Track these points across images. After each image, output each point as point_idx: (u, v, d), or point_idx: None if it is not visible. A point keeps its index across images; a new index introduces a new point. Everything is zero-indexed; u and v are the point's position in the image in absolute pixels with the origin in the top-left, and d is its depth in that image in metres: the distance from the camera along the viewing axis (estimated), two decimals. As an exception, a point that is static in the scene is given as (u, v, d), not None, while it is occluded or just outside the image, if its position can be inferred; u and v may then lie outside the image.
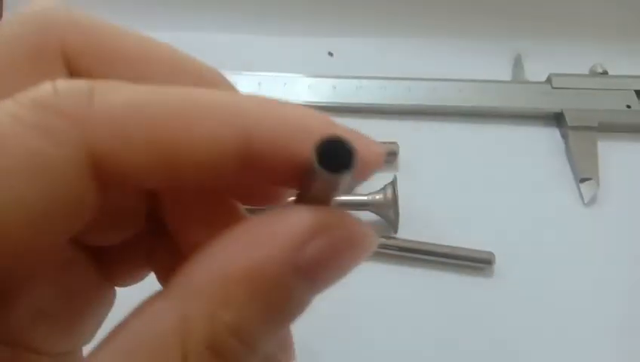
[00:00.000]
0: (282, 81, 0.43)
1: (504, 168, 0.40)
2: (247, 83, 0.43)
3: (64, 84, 0.12)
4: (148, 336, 0.12)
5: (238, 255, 0.12)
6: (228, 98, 0.13)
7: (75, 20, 0.15)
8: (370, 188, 0.37)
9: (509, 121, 0.43)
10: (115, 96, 0.12)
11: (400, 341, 0.33)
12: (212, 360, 0.12)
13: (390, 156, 0.40)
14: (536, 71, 0.45)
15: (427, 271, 0.36)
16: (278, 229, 0.12)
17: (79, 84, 0.12)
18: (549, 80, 0.44)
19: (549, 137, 0.42)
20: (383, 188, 0.36)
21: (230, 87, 0.16)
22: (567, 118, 0.42)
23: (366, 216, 0.37)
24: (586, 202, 0.39)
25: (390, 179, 0.36)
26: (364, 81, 0.43)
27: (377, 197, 0.36)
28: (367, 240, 0.13)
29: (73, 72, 0.14)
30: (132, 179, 0.12)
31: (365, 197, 0.36)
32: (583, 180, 0.40)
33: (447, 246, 0.36)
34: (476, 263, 0.35)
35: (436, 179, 0.40)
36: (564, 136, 0.42)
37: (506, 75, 0.45)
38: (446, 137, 0.42)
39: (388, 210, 0.35)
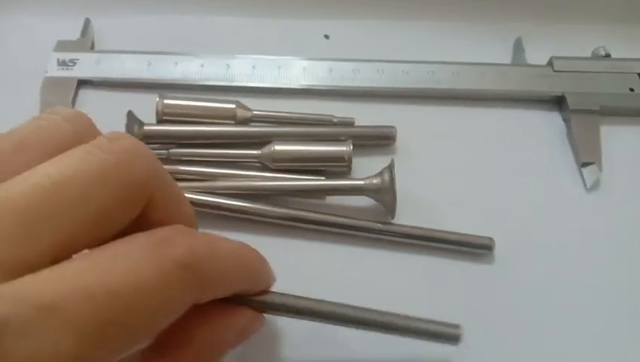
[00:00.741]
0: (277, 64, 0.42)
1: (504, 153, 0.39)
2: (241, 65, 0.42)
3: (197, 250, 0.20)
4: None
5: (213, 338, 0.23)
6: (255, 265, 0.26)
7: (160, 175, 0.21)
8: (366, 172, 0.36)
9: (509, 104, 0.42)
10: (213, 266, 0.21)
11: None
12: None
13: (387, 140, 0.39)
14: (537, 54, 0.43)
15: (425, 258, 0.35)
16: (234, 322, 0.24)
17: (202, 248, 0.20)
18: (550, 63, 0.43)
19: (550, 121, 0.41)
20: (380, 173, 0.35)
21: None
22: (568, 102, 0.41)
23: (362, 201, 0.36)
24: (588, 187, 0.38)
25: (387, 163, 0.35)
26: (361, 64, 0.42)
27: (374, 181, 0.35)
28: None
29: (144, 214, 0.21)
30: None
31: (362, 182, 0.35)
32: (585, 165, 0.39)
33: (445, 232, 0.35)
34: (475, 249, 0.34)
35: (434, 164, 0.39)
36: (566, 120, 0.41)
37: (506, 58, 0.44)
38: (444, 121, 0.41)
39: (385, 194, 0.34)
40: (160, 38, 0.44)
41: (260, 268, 0.25)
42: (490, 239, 0.34)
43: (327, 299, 0.28)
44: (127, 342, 0.17)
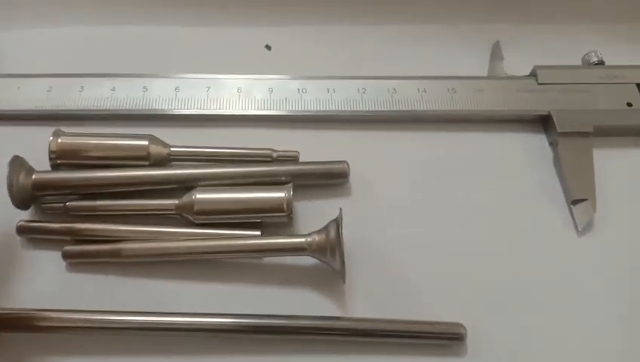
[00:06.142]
0: (205, 84, 0.35)
1: (480, 186, 0.33)
2: (162, 87, 0.34)
3: None
4: None
5: None
6: None
7: None
8: (313, 219, 0.29)
9: (485, 127, 0.35)
10: None
11: None
12: None
13: (339, 179, 0.32)
14: (518, 62, 0.37)
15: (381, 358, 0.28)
16: None
17: None
18: (533, 73, 0.36)
19: (534, 146, 0.35)
20: (325, 227, 0.28)
21: None
22: (555, 122, 0.34)
23: (306, 261, 0.29)
24: (580, 229, 0.32)
25: (338, 206, 0.28)
26: (308, 82, 0.35)
27: (317, 238, 0.28)
28: None
29: None
30: None
31: (302, 239, 0.28)
32: (576, 202, 0.32)
33: (404, 322, 0.28)
34: (443, 340, 0.28)
35: (396, 204, 0.32)
36: (553, 144, 0.34)
37: (481, 68, 0.37)
38: (408, 150, 0.34)
39: (331, 256, 0.28)
40: (64, 55, 0.36)
41: None
42: (461, 326, 0.28)
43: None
44: None
